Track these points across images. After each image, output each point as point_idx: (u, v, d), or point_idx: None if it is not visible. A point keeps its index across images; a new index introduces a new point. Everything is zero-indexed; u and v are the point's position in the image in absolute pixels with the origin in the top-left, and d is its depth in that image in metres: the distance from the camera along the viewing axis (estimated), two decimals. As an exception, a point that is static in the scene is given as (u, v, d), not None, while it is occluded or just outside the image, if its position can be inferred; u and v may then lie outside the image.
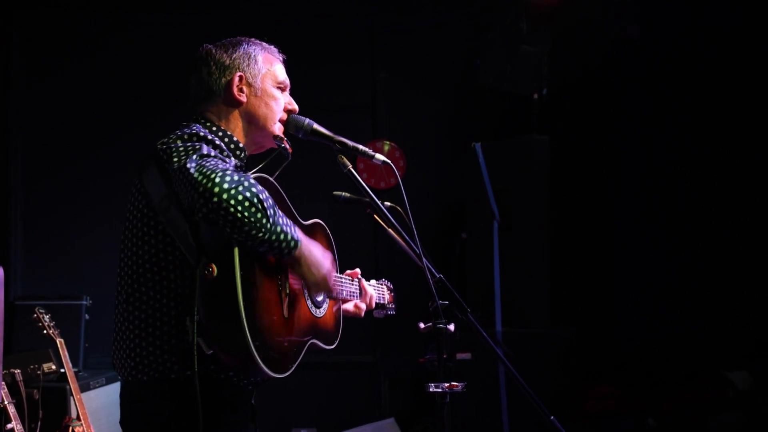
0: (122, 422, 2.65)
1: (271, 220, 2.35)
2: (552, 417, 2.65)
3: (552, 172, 6.06)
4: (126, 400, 2.64)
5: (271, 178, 2.67)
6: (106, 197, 6.33)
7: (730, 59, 6.00)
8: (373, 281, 3.35)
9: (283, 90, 2.85)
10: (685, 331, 6.09)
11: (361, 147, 2.79)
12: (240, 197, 2.29)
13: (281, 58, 2.89)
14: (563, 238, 6.26)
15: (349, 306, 3.14)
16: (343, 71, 6.82)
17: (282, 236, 2.40)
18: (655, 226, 6.36)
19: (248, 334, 2.34)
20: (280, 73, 2.84)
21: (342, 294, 3.02)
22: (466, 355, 5.40)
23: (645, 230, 6.41)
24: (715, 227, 6.09)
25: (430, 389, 2.62)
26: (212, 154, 2.44)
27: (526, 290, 5.94)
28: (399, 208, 2.91)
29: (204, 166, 2.35)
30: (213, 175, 2.31)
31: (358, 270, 3.19)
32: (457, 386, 2.62)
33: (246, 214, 2.30)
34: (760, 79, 5.90)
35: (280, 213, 2.42)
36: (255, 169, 2.80)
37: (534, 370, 5.30)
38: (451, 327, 2.69)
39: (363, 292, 3.14)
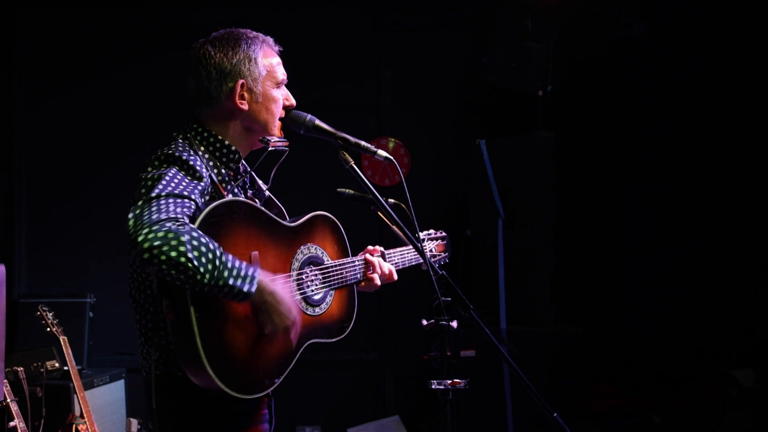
0: (149, 412, 2.71)
1: (207, 276, 2.30)
2: (555, 414, 2.64)
3: (557, 169, 6.04)
4: (147, 392, 2.68)
5: (238, 198, 2.65)
6: (110, 195, 6.32)
7: (736, 55, 5.97)
8: (423, 233, 3.33)
9: (281, 86, 2.83)
10: (690, 329, 6.07)
11: (363, 143, 2.77)
12: (163, 257, 2.26)
13: (278, 50, 2.85)
14: (568, 236, 6.24)
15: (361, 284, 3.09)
16: (348, 69, 6.81)
17: (226, 289, 2.35)
18: (661, 224, 6.34)
19: (212, 374, 2.38)
20: (279, 70, 2.81)
21: (356, 277, 2.99)
22: (471, 352, 5.40)
23: (650, 228, 6.40)
24: (720, 226, 6.07)
25: (433, 386, 2.61)
26: (165, 192, 2.40)
27: (530, 288, 5.92)
28: (403, 205, 2.90)
29: (140, 216, 2.33)
30: (140, 231, 2.28)
31: (378, 247, 3.14)
32: (459, 383, 2.61)
33: (173, 272, 2.28)
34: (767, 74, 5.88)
35: (231, 264, 2.35)
36: (251, 170, 2.82)
37: (539, 368, 5.32)
38: (454, 324, 2.68)
39: (371, 267, 3.05)
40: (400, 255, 3.22)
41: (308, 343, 2.75)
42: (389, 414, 6.49)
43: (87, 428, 4.70)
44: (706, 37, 6.03)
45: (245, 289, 2.38)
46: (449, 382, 2.61)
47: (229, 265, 2.36)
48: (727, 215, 6.03)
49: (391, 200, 2.94)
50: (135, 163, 2.69)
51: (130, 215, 2.34)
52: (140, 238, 2.27)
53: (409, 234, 2.76)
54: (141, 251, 2.26)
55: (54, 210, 6.47)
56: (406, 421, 6.37)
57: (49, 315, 4.85)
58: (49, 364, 5.01)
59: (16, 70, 6.50)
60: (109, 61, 6.50)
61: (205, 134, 2.71)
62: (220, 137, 2.72)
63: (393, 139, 6.73)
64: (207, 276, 2.30)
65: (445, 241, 3.49)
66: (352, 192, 3.07)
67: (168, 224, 2.30)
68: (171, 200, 2.39)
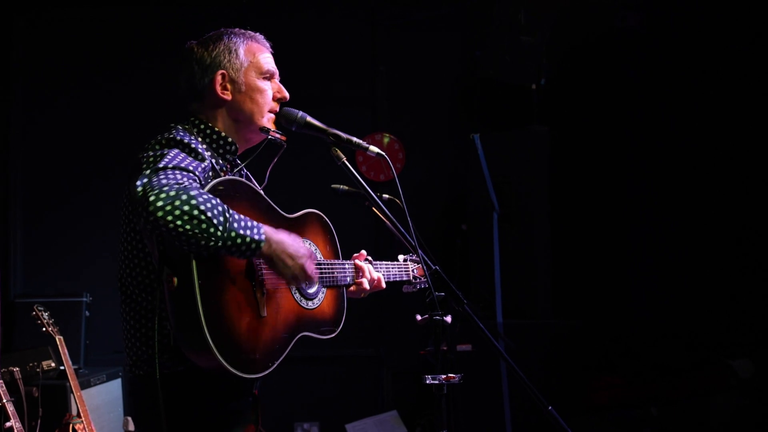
0: (131, 414, 2.71)
1: (220, 228, 2.31)
2: (549, 407, 2.64)
3: (552, 162, 6.04)
4: (130, 393, 2.71)
5: (241, 179, 2.65)
6: (106, 195, 6.26)
7: (733, 48, 5.95)
8: (400, 256, 3.37)
9: (270, 79, 2.82)
10: (688, 320, 6.07)
11: (354, 139, 2.77)
12: (177, 212, 2.26)
13: (268, 46, 2.86)
14: (565, 229, 6.23)
15: (350, 288, 3.09)
16: (343, 64, 6.80)
17: (239, 240, 2.36)
18: (657, 215, 6.33)
19: (212, 343, 2.34)
20: (265, 62, 2.82)
21: (345, 280, 3.00)
22: (467, 347, 5.40)
23: (647, 219, 6.39)
24: (717, 217, 6.06)
25: (427, 381, 2.61)
26: (171, 164, 2.41)
27: (527, 281, 5.93)
28: (397, 201, 2.89)
29: (148, 183, 2.32)
30: (150, 193, 2.28)
31: (363, 252, 3.17)
32: (453, 378, 2.61)
33: (187, 227, 2.27)
34: (765, 68, 5.86)
35: (237, 216, 2.38)
36: (243, 164, 2.80)
37: (536, 361, 5.33)
38: (448, 319, 2.68)
39: (359, 272, 3.08)
40: (386, 268, 3.25)
41: (301, 334, 2.74)
42: (387, 409, 6.50)
43: (84, 428, 4.69)
44: (702, 27, 6.00)
45: (256, 237, 2.39)
46: (443, 376, 2.62)
47: (237, 217, 2.37)
48: (726, 205, 6.02)
49: (386, 196, 2.95)
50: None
51: (138, 183, 2.32)
52: (152, 198, 2.27)
53: (402, 229, 2.75)
54: (154, 210, 2.25)
55: (50, 210, 6.46)
56: (404, 416, 6.37)
57: (45, 315, 4.84)
58: (45, 363, 5.00)
59: (14, 72, 6.48)
60: (106, 64, 6.48)
61: (201, 126, 2.73)
62: (216, 129, 2.73)
63: (388, 135, 6.72)
64: (220, 228, 2.31)
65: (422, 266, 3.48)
66: (347, 188, 3.08)
67: (177, 186, 2.30)
68: (178, 171, 2.39)
